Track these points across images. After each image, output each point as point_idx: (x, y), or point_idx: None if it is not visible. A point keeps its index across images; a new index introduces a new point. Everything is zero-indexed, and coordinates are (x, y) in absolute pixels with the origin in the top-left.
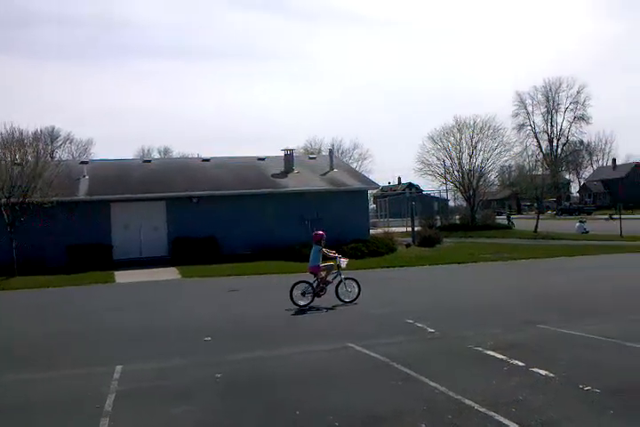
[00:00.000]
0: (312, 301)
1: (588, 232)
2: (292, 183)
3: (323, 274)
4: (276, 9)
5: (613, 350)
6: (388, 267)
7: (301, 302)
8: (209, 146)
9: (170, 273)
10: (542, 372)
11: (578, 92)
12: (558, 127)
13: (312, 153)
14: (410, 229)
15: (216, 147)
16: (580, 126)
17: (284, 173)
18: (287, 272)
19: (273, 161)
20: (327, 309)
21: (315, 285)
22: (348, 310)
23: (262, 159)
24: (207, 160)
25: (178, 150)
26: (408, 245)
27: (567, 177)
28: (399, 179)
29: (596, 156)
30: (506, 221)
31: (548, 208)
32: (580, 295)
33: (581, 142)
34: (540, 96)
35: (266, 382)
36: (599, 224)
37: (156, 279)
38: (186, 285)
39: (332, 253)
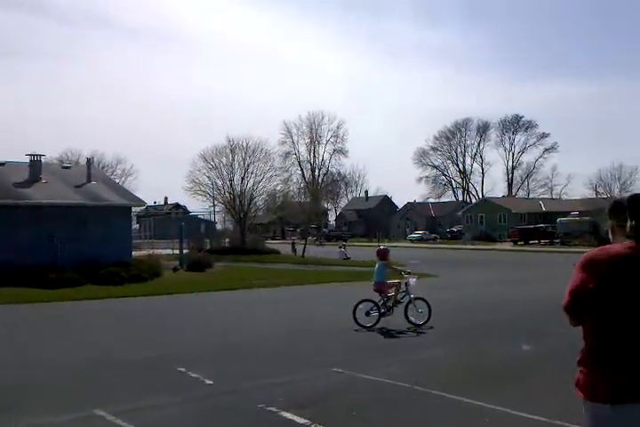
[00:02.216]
0: (378, 321)
1: (349, 258)
2: (39, 195)
3: (392, 292)
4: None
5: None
6: (153, 295)
7: (367, 324)
8: None
9: None
10: None
11: (338, 127)
12: (320, 158)
13: (68, 163)
14: (177, 251)
15: None
16: (339, 159)
17: (29, 183)
18: (30, 301)
19: (15, 168)
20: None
21: (380, 304)
22: (88, 355)
23: (1, 164)
24: None
25: None
26: (175, 269)
27: (326, 205)
28: (166, 198)
29: (352, 187)
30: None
31: (310, 234)
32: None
33: (339, 174)
34: (304, 127)
35: None
36: (357, 250)
37: None
38: None
39: (398, 268)
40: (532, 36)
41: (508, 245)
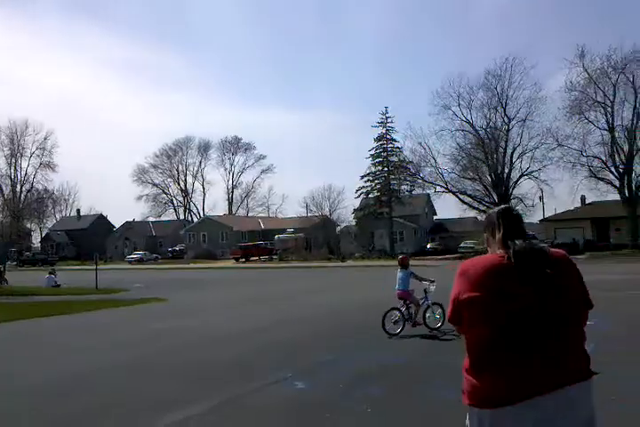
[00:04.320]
0: (403, 328)
1: (59, 286)
2: None
3: (416, 298)
4: None
5: None
6: None
7: (394, 331)
8: None
9: None
10: None
11: (45, 139)
12: (23, 172)
13: None
14: None
15: None
16: (47, 174)
17: None
18: None
19: None
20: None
21: (404, 311)
22: None
23: None
24: None
25: None
26: None
27: (30, 226)
28: None
29: (61, 205)
30: None
31: (9, 259)
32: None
33: (46, 190)
34: (3, 137)
35: None
36: (70, 275)
37: None
38: None
39: (423, 277)
40: (248, 65)
41: (230, 263)
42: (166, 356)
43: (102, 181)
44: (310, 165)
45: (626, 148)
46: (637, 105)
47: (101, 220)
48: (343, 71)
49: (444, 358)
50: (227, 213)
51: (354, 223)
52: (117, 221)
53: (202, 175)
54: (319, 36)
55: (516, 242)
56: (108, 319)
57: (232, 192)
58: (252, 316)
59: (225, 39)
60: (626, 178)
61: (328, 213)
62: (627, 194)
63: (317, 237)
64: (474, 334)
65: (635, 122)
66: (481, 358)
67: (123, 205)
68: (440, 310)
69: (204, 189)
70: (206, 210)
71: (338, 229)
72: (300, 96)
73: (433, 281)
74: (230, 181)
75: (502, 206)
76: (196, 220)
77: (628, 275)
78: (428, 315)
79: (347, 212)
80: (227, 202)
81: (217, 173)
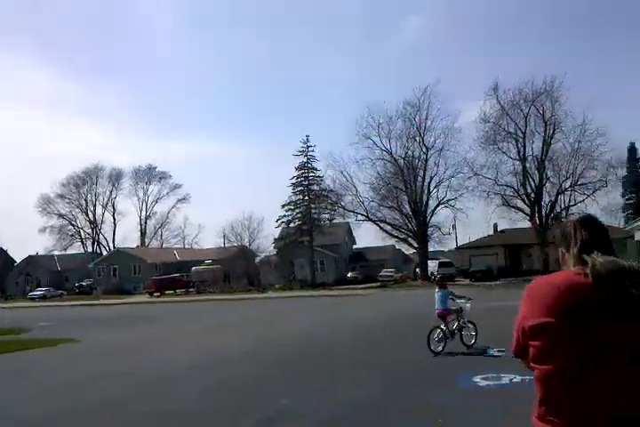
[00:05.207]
0: (445, 346)
1: None
2: None
3: (454, 317)
4: None
5: None
6: None
7: (438, 349)
8: None
9: None
10: None
11: None
12: None
13: None
14: None
15: None
16: None
17: None
18: None
19: None
20: None
21: (445, 330)
22: None
23: None
24: None
25: None
26: None
27: None
28: None
29: None
30: None
31: None
32: None
33: None
34: None
35: None
36: None
37: None
38: None
39: (460, 295)
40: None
41: (144, 297)
42: (94, 410)
43: (2, 211)
44: (229, 195)
45: (536, 177)
46: (547, 136)
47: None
48: (264, 99)
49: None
50: (139, 244)
51: (274, 253)
52: (18, 256)
53: (113, 205)
54: (244, 59)
55: (596, 257)
56: (8, 366)
57: (145, 223)
58: (178, 355)
59: (140, 65)
60: (536, 206)
61: (247, 243)
62: (537, 221)
63: (236, 268)
64: (543, 372)
65: (544, 152)
66: (553, 401)
67: (24, 237)
68: (474, 328)
69: (114, 219)
70: (117, 242)
71: (257, 259)
72: (219, 124)
73: (470, 299)
74: (144, 212)
75: (583, 215)
76: (105, 252)
77: None
78: (464, 333)
79: (267, 241)
80: (139, 233)
81: (129, 202)
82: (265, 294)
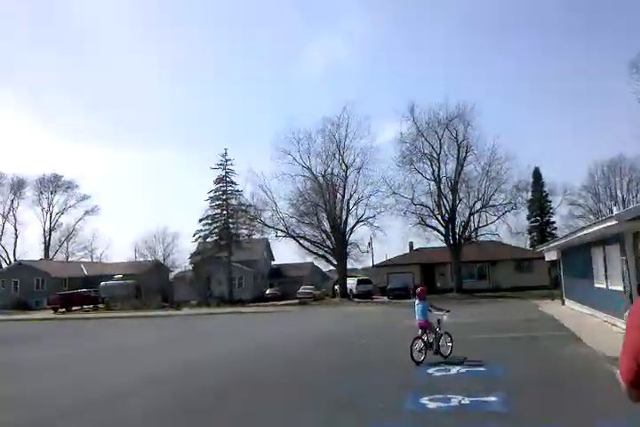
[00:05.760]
0: (426, 356)
1: None
2: None
3: (435, 328)
4: None
5: None
6: None
7: (419, 359)
8: None
9: None
10: None
11: None
12: None
13: None
14: None
15: None
16: None
17: None
18: None
19: None
20: None
21: (426, 340)
22: None
23: None
24: None
25: None
26: None
27: None
28: None
29: None
30: None
31: None
32: None
33: None
34: None
35: None
36: None
37: None
38: None
39: (439, 307)
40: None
41: (48, 313)
42: None
43: None
44: (143, 208)
45: (450, 198)
46: (460, 158)
47: None
48: (182, 111)
49: None
50: (43, 257)
51: (190, 268)
52: None
53: (14, 215)
54: (163, 72)
55: None
56: None
57: (50, 235)
58: (84, 380)
59: (43, 71)
60: (450, 226)
61: (162, 258)
62: (451, 241)
63: (150, 284)
64: None
65: (457, 174)
66: None
67: None
68: (449, 338)
69: (16, 230)
70: (18, 254)
71: (172, 274)
72: (132, 135)
73: (448, 311)
74: (48, 223)
75: None
76: (5, 265)
77: (463, 318)
78: (440, 343)
79: (182, 257)
80: (43, 245)
81: (32, 213)
82: (180, 312)
